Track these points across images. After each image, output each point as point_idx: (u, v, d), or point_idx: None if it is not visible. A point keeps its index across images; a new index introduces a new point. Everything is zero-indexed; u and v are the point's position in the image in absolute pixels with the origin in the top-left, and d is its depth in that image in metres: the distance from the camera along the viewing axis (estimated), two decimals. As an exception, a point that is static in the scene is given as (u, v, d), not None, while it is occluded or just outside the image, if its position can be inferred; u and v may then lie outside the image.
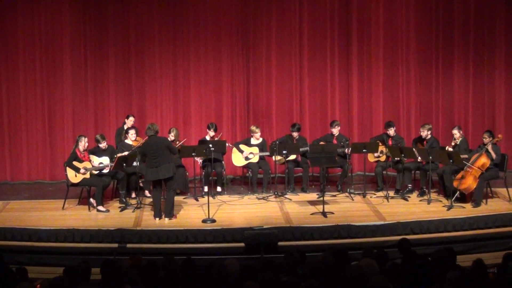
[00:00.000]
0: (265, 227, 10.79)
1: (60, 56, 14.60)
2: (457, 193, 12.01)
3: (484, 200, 12.04)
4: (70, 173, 11.96)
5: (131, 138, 12.74)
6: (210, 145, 12.31)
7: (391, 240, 10.40)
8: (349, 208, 12.18)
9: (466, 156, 12.05)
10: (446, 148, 12.35)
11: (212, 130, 13.19)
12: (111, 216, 11.84)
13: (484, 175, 11.88)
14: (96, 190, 11.99)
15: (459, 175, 11.99)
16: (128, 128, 12.98)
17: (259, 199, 12.82)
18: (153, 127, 11.46)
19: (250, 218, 11.53)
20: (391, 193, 12.74)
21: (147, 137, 11.62)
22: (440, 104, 15.03)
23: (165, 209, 11.44)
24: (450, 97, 15.03)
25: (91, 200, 12.13)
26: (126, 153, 12.24)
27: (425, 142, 12.78)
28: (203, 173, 13.17)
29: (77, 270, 7.10)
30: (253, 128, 13.49)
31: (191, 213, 12.00)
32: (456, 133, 12.47)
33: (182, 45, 14.78)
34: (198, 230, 10.81)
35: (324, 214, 11.54)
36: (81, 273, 7.14)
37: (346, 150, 12.86)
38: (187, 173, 13.32)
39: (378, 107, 15.01)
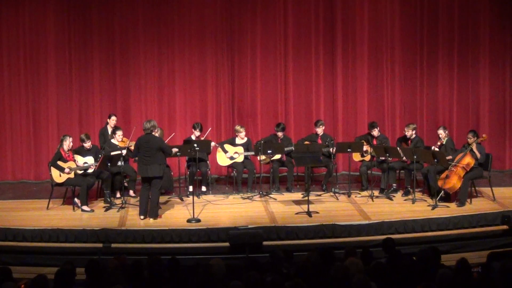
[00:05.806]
0: (250, 226, 10.79)
1: (45, 55, 14.51)
2: (442, 193, 12.06)
3: (468, 200, 12.09)
4: (55, 172, 11.90)
5: (118, 139, 12.71)
6: (195, 145, 12.30)
7: (375, 239, 10.43)
8: (334, 207, 12.20)
9: (450, 157, 12.10)
10: (432, 148, 12.37)
11: (197, 130, 13.16)
12: (95, 216, 11.79)
13: (468, 174, 11.94)
14: (80, 190, 11.93)
15: (443, 175, 12.03)
16: (116, 128, 12.92)
17: (244, 198, 12.82)
18: (149, 124, 11.40)
19: (235, 218, 11.54)
20: (376, 193, 12.76)
21: (133, 138, 11.58)
22: (425, 103, 15.05)
23: (150, 209, 11.42)
24: (435, 96, 15.05)
25: (76, 200, 12.08)
26: (116, 152, 12.25)
27: (409, 142, 12.82)
28: (188, 172, 13.16)
29: (68, 272, 7.06)
30: (237, 127, 13.47)
31: (176, 212, 11.98)
32: (441, 133, 12.49)
33: (167, 44, 14.73)
34: (183, 230, 10.80)
35: (309, 213, 11.55)
36: (70, 275, 7.11)
37: (331, 149, 12.88)
38: (172, 173, 13.30)
39: (362, 106, 15.02)
